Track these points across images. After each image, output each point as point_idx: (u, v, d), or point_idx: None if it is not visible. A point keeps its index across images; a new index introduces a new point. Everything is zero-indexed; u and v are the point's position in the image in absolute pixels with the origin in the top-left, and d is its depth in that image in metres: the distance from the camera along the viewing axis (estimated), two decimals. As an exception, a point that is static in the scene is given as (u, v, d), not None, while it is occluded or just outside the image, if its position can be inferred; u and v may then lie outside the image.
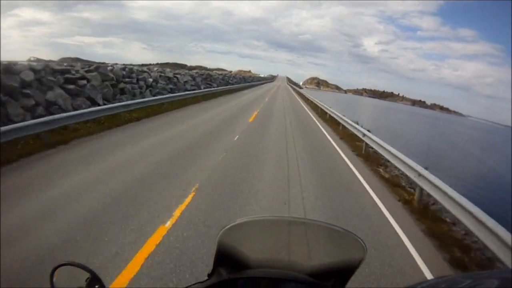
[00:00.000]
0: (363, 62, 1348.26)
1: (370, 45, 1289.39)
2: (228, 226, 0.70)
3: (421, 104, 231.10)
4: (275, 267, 0.75)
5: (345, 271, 0.72)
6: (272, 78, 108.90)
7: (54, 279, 0.69)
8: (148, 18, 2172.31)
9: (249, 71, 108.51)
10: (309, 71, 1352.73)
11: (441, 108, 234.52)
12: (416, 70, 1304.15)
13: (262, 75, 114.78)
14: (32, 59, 11.11)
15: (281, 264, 0.75)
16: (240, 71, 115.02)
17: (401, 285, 1.72)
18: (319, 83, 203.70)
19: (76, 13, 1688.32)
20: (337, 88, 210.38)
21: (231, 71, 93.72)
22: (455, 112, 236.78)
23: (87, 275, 0.68)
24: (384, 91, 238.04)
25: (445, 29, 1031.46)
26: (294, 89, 53.95)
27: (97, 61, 17.04)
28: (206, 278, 0.75)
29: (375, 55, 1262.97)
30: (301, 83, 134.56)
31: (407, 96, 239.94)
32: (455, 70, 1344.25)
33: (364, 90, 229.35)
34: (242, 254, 0.74)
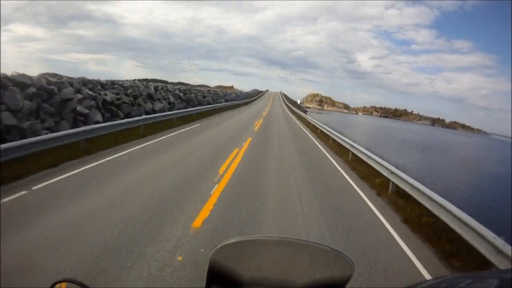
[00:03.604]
0: (357, 77, 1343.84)
1: (364, 60, 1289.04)
2: (220, 245, 0.76)
3: (440, 122, 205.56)
4: (267, 285, 0.79)
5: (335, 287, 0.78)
6: (255, 96, 72.05)
7: None
8: (141, 35, 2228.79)
9: (231, 87, 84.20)
10: (302, 88, 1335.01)
11: (463, 127, 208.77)
12: (410, 85, 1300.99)
13: (246, 90, 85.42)
14: (14, 74, 9.54)
15: (273, 282, 0.79)
16: (220, 86, 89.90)
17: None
18: (322, 101, 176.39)
19: (70, 30, 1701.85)
20: (346, 107, 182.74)
21: (209, 87, 73.51)
22: (478, 131, 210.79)
23: None
24: (396, 109, 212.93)
25: (439, 42, 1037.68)
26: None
27: (89, 78, 13.51)
28: None
29: (369, 70, 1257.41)
30: (299, 102, 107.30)
31: (424, 114, 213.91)
32: (449, 83, 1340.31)
33: (375, 108, 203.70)
34: (234, 272, 0.78)
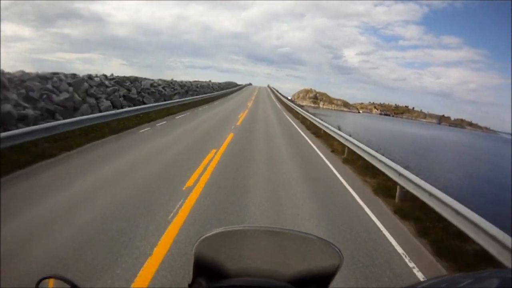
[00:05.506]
0: (344, 73, 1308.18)
1: (351, 56, 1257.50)
2: (204, 236, 0.72)
3: (445, 120, 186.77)
4: (254, 276, 0.77)
5: (324, 278, 0.75)
6: (216, 91, 44.50)
7: None
8: (127, 34, 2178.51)
9: (209, 81, 62.79)
10: (288, 83, 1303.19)
11: (470, 125, 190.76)
12: (397, 80, 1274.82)
13: (217, 82, 61.57)
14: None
15: (260, 273, 0.77)
16: (197, 81, 67.43)
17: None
18: (316, 98, 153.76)
19: (57, 29, 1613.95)
20: (345, 104, 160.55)
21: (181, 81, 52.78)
22: (486, 129, 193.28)
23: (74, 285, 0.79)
24: (397, 106, 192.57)
25: (428, 37, 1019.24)
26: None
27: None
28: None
29: (356, 66, 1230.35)
30: (289, 98, 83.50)
31: (428, 111, 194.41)
32: (437, 77, 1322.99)
33: (374, 105, 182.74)
34: (220, 263, 0.76)
